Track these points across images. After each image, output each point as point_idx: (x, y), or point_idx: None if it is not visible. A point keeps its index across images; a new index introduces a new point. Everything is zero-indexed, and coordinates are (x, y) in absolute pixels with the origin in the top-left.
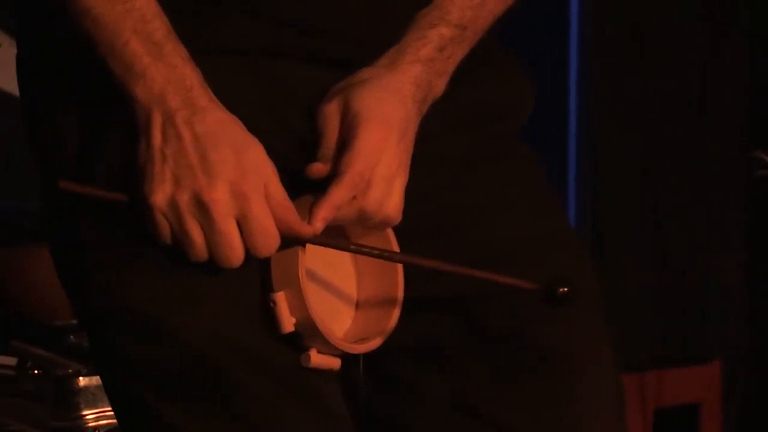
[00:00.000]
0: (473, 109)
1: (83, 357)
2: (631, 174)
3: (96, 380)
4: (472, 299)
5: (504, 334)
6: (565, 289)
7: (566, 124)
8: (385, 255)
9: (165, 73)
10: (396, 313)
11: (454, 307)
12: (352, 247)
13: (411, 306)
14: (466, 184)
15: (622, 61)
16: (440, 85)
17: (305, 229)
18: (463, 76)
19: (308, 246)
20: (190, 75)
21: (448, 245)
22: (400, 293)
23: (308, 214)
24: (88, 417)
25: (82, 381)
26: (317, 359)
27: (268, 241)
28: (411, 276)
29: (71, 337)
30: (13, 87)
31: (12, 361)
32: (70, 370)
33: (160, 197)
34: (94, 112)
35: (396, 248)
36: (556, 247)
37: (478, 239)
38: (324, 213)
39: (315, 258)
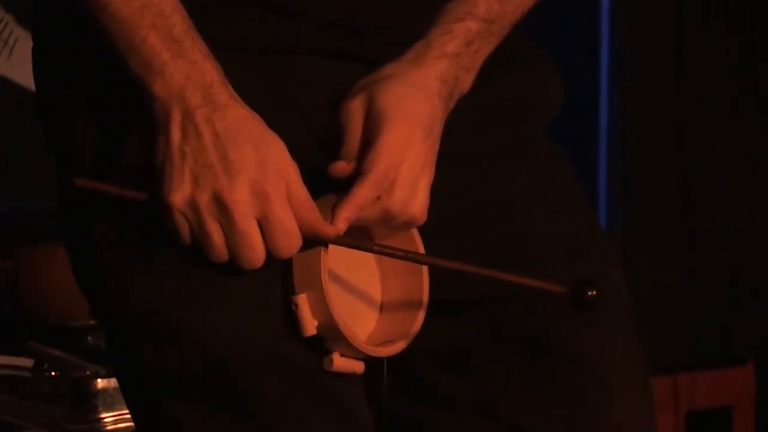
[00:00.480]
0: (500, 105)
1: (101, 358)
2: (662, 172)
3: (114, 382)
4: (497, 301)
5: (530, 338)
6: (594, 293)
7: (597, 120)
8: (409, 257)
9: (184, 69)
10: (421, 315)
11: (479, 309)
12: (375, 248)
13: (436, 308)
14: (492, 183)
15: (655, 55)
16: (467, 81)
17: (328, 230)
18: (489, 71)
19: (331, 247)
20: (210, 71)
21: (473, 245)
22: (426, 295)
23: (331, 214)
24: (106, 420)
25: (100, 383)
26: (340, 363)
27: (289, 242)
28: (436, 277)
29: (89, 337)
30: (32, 82)
31: (28, 362)
32: (88, 372)
33: (179, 197)
34: (112, 109)
35: (421, 249)
36: (584, 247)
37: (503, 239)
38: (347, 213)
39: (338, 259)
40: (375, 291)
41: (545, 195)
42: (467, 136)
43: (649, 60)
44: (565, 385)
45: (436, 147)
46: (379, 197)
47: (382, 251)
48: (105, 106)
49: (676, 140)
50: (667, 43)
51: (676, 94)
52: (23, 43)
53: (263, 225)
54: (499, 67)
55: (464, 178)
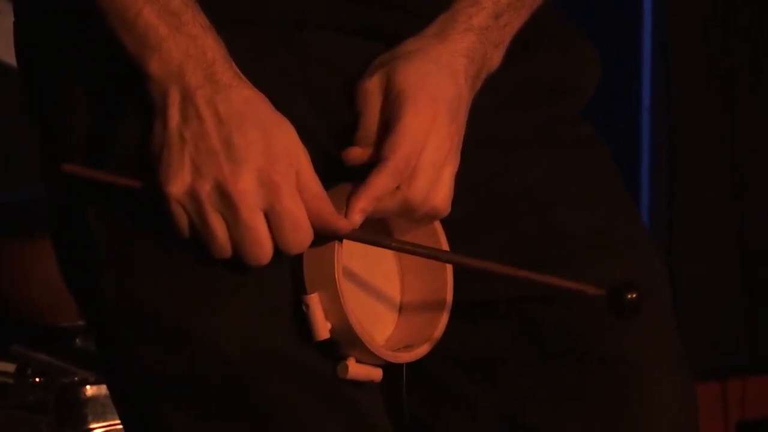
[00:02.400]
0: (530, 85)
1: (91, 363)
2: (712, 164)
3: (105, 389)
4: (528, 303)
5: (563, 343)
6: (634, 296)
7: (639, 99)
8: (431, 254)
9: (184, 45)
10: (444, 318)
11: (508, 311)
12: (393, 244)
13: (460, 310)
14: (521, 171)
15: (701, 33)
16: (495, 58)
17: (341, 223)
18: (519, 47)
19: (345, 241)
20: (212, 47)
21: (500, 240)
22: (449, 296)
23: (345, 205)
24: (95, 431)
25: (90, 390)
26: (356, 369)
27: (299, 237)
28: (460, 276)
29: (77, 340)
30: (12, 58)
31: (11, 367)
32: (77, 378)
33: (177, 186)
34: (105, 88)
35: (444, 243)
36: (622, 243)
37: (534, 234)
38: (363, 204)
39: (353, 255)
40: (394, 290)
41: (580, 185)
42: (494, 118)
43: (695, 36)
44: (601, 394)
45: (462, 131)
46: (398, 187)
47: (401, 248)
48: (97, 85)
49: (729, 128)
50: (715, 15)
51: (727, 69)
52: (4, 18)
53: (270, 217)
54: (530, 43)
55: (491, 166)
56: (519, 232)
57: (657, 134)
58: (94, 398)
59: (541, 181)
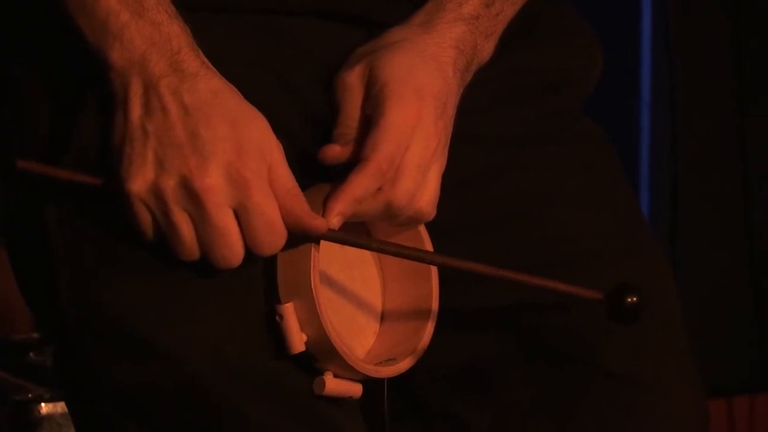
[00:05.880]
0: (525, 77)
1: (46, 378)
2: (718, 158)
3: (62, 407)
4: (521, 310)
5: (562, 356)
6: (634, 299)
7: (638, 93)
8: (416, 255)
9: (147, 32)
10: (429, 327)
11: (500, 320)
12: (374, 245)
13: (447, 318)
14: (515, 169)
15: (706, 16)
16: (487, 49)
17: (318, 223)
18: (512, 37)
19: (323, 244)
20: (177, 34)
21: (492, 244)
22: (435, 304)
23: (322, 207)
24: None
25: (45, 408)
26: (333, 385)
27: (272, 237)
28: (447, 282)
29: (31, 354)
30: None
31: None
32: (30, 395)
33: (139, 183)
34: (63, 80)
35: (429, 247)
36: (626, 249)
37: (527, 237)
38: (341, 207)
39: (331, 259)
40: (375, 299)
41: (579, 185)
42: (485, 114)
43: (699, 18)
44: (604, 411)
45: (450, 128)
46: (380, 188)
47: (383, 249)
48: (53, 76)
49: (735, 115)
50: (722, 5)
51: (735, 59)
52: None
53: (241, 216)
54: (524, 32)
55: (481, 165)
56: (516, 235)
57: (657, 131)
58: (49, 416)
59: (540, 179)
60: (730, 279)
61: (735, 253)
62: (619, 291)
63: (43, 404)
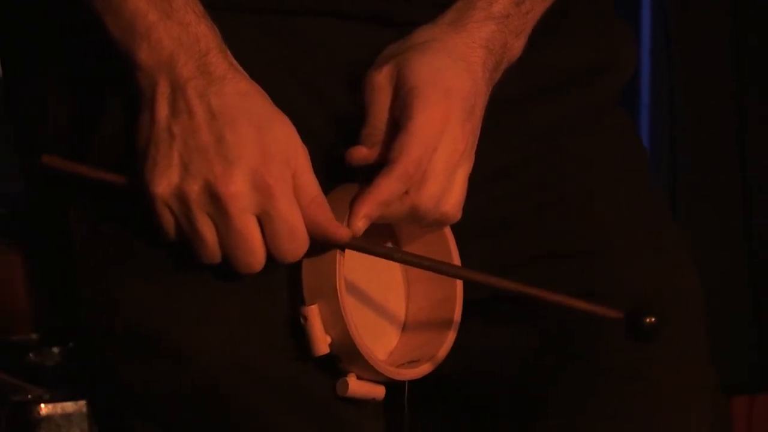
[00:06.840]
0: (555, 72)
1: (45, 379)
2: (717, 159)
3: (61, 408)
4: (543, 308)
5: (579, 352)
6: (652, 320)
7: (637, 101)
8: (438, 267)
9: (175, 33)
10: (452, 335)
11: (522, 316)
12: (396, 255)
13: (470, 315)
14: (545, 165)
15: (705, 15)
16: (517, 48)
17: (340, 232)
18: (542, 34)
19: (348, 249)
20: (205, 35)
21: (516, 241)
22: (458, 309)
23: (348, 209)
24: None
25: (44, 409)
26: (356, 387)
27: (294, 245)
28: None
29: (31, 355)
30: None
31: None
32: (29, 396)
33: (164, 186)
34: (88, 78)
35: (454, 250)
36: (659, 247)
37: (556, 227)
38: (367, 210)
39: (356, 262)
40: (398, 302)
41: (615, 177)
42: (515, 108)
43: (700, 23)
44: (622, 411)
45: (478, 130)
46: (407, 192)
47: (404, 259)
48: (80, 71)
49: (736, 117)
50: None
51: (735, 59)
52: None
53: (264, 223)
54: (554, 27)
55: (509, 160)
56: (545, 224)
57: (656, 132)
58: (48, 417)
59: (573, 170)
60: (729, 280)
61: (734, 254)
62: (639, 312)
63: (42, 405)
